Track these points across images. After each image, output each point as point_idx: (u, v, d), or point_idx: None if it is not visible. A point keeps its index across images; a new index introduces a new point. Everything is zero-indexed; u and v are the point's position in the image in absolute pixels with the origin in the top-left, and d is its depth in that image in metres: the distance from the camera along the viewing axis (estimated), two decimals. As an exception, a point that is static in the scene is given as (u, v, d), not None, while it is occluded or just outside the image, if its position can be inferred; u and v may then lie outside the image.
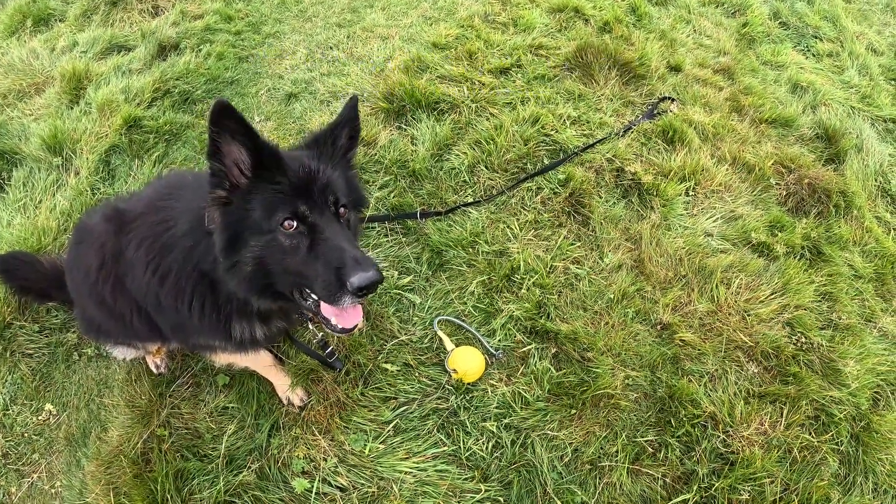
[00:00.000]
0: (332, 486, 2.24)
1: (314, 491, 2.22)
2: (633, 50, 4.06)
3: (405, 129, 3.40)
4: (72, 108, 3.71)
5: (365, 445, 2.33)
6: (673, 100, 3.70)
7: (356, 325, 1.53)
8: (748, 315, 2.75)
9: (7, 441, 2.46)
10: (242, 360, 2.26)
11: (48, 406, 2.53)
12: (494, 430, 2.40)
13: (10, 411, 2.52)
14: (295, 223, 1.41)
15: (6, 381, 2.57)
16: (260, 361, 2.34)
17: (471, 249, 2.92)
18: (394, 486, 2.24)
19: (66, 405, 2.55)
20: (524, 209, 3.10)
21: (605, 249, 2.95)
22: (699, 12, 5.09)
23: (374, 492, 2.24)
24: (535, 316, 2.70)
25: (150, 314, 1.84)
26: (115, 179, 3.32)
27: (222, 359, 2.16)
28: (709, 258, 2.93)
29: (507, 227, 3.01)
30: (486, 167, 3.22)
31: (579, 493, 2.30)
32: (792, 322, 2.75)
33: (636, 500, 2.32)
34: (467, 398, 2.48)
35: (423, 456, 2.32)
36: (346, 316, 1.50)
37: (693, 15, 4.99)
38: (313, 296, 1.50)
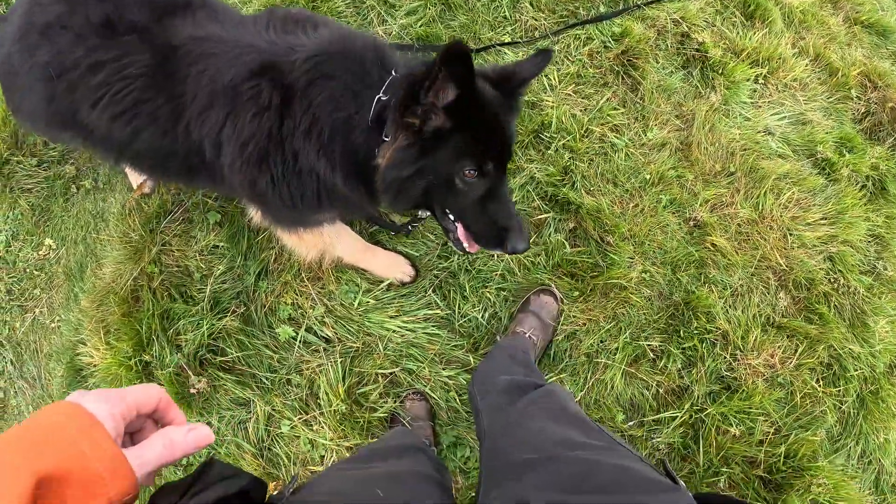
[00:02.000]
0: (317, 336, 2.10)
1: (298, 339, 2.08)
2: None
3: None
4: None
5: (355, 298, 2.12)
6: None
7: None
8: (791, 235, 2.40)
9: (10, 277, 2.44)
10: (336, 249, 2.03)
11: (48, 241, 2.46)
12: (493, 299, 2.13)
13: (12, 248, 2.47)
14: (476, 173, 1.39)
15: (7, 217, 2.49)
16: (355, 247, 2.09)
17: (499, 95, 2.41)
18: (379, 343, 2.08)
19: (65, 239, 2.46)
20: (567, 59, 2.54)
21: (650, 122, 2.47)
22: None
23: (358, 347, 2.08)
24: (559, 182, 2.28)
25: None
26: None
27: (314, 241, 1.95)
28: (764, 160, 2.50)
29: (545, 75, 2.47)
30: (532, 4, 2.59)
31: (568, 383, 2.06)
32: (834, 257, 2.41)
33: (624, 403, 2.10)
34: (470, 259, 2.17)
35: (415, 316, 2.11)
36: (475, 245, 1.55)
37: None
38: (457, 223, 1.52)
